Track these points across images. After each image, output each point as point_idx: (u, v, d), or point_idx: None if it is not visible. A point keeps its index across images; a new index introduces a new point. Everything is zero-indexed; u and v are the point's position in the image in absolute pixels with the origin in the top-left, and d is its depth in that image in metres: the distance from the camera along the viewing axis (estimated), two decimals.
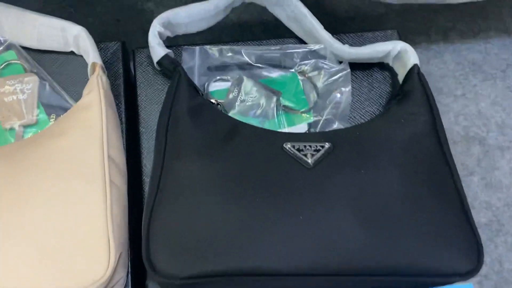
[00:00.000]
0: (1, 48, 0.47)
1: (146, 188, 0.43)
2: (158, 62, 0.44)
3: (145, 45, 0.48)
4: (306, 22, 0.47)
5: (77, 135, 0.39)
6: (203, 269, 0.33)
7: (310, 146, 0.38)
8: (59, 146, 0.38)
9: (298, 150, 0.38)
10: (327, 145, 0.38)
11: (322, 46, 0.46)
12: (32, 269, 0.33)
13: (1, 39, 0.47)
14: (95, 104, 0.40)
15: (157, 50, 0.44)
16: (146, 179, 0.43)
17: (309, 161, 0.37)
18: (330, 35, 0.46)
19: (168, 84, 0.44)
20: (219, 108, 0.43)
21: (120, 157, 0.40)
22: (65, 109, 0.45)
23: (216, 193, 0.35)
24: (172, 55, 0.44)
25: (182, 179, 0.36)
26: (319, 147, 0.38)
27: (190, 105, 0.41)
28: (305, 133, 0.42)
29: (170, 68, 0.44)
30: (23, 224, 0.35)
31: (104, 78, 0.43)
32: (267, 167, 0.37)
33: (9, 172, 0.37)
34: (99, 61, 0.43)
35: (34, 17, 0.46)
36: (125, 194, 0.39)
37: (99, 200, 0.36)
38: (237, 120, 0.41)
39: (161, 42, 0.44)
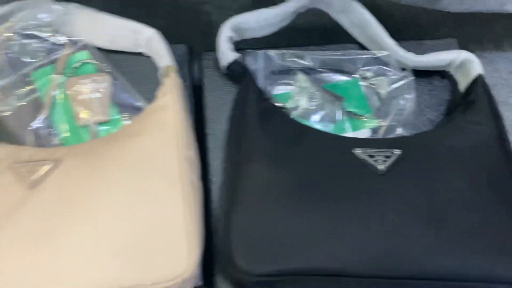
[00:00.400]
0: (76, 48, 0.49)
1: (211, 185, 0.44)
2: (227, 67, 0.46)
3: (205, 47, 0.50)
4: (371, 29, 0.48)
5: (154, 135, 0.40)
6: (278, 268, 0.34)
7: (381, 152, 0.39)
8: (137, 145, 0.40)
9: (369, 156, 0.39)
10: (397, 151, 0.39)
11: (387, 53, 0.47)
12: (113, 262, 0.35)
13: (76, 39, 0.49)
14: (171, 107, 0.42)
15: (227, 54, 0.45)
16: (212, 178, 0.45)
17: (381, 167, 0.38)
18: (394, 42, 0.47)
19: (236, 88, 0.46)
20: (286, 112, 0.45)
21: (194, 156, 0.42)
22: (136, 108, 0.47)
23: (290, 196, 0.37)
24: (241, 59, 0.46)
25: (257, 181, 0.38)
26: (389, 154, 0.39)
27: (260, 110, 0.42)
28: (373, 139, 0.43)
29: (238, 73, 0.45)
30: (104, 218, 0.36)
31: (178, 81, 0.44)
32: (337, 172, 0.38)
33: (90, 167, 0.39)
34: (173, 64, 0.45)
35: (106, 18, 0.48)
36: (200, 191, 0.40)
37: (178, 197, 0.37)
38: (305, 124, 0.43)
39: (231, 46, 0.46)
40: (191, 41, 0.62)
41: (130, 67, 0.50)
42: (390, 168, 0.38)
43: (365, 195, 0.37)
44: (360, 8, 0.48)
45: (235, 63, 0.45)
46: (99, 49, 0.50)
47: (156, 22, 0.49)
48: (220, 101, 0.48)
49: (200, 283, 0.38)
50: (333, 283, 0.36)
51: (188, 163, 0.40)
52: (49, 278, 0.34)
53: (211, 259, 0.41)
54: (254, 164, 0.39)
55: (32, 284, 0.33)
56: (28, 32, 0.49)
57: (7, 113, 0.46)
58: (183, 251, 0.35)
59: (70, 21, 0.49)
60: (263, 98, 0.43)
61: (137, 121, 0.43)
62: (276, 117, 0.42)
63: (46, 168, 0.38)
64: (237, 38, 0.47)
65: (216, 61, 0.49)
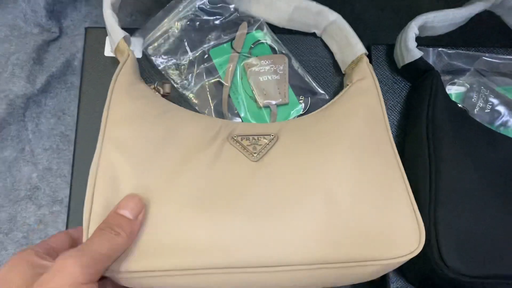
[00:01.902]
0: (253, 27, 0.51)
1: None
2: (409, 64, 0.47)
3: None
4: None
5: (366, 117, 0.41)
6: (491, 271, 0.37)
7: None
8: (352, 124, 0.41)
9: None
10: None
11: None
12: (345, 235, 0.35)
13: (252, 19, 0.51)
14: (372, 91, 0.43)
15: (414, 51, 0.46)
16: None
17: None
18: None
19: (412, 85, 0.48)
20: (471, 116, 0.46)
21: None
22: (309, 91, 0.49)
23: (492, 200, 0.39)
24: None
25: (456, 182, 0.40)
26: None
27: (449, 110, 0.44)
28: None
29: (421, 70, 0.47)
30: (335, 191, 0.36)
31: (371, 68, 0.46)
32: None
33: (309, 143, 0.40)
34: (364, 51, 0.46)
35: None
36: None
37: (399, 176, 0.39)
38: (492, 129, 0.44)
39: (415, 43, 0.47)
40: None
41: (306, 49, 0.51)
42: None
43: None
44: None
45: (420, 60, 0.46)
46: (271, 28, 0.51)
47: None
48: (393, 95, 0.50)
49: None
50: None
51: (394, 145, 0.41)
52: (284, 246, 0.34)
53: None
54: (447, 164, 0.41)
55: (266, 249, 0.34)
56: (207, 9, 0.51)
57: (189, 93, 0.48)
58: (415, 228, 0.36)
59: None
60: (450, 98, 0.45)
61: (340, 102, 0.44)
62: (465, 120, 0.44)
63: (265, 141, 0.40)
64: (418, 34, 0.48)
65: (387, 55, 0.50)
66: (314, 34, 0.51)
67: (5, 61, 0.61)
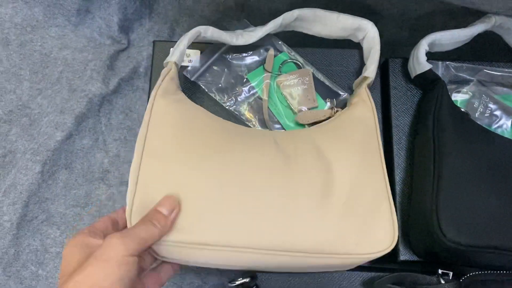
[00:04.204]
0: (278, 53, 0.61)
1: (396, 169, 0.56)
2: (420, 75, 0.56)
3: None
4: None
5: (361, 132, 0.51)
6: (484, 243, 0.44)
7: None
8: (354, 128, 0.51)
9: None
10: None
11: None
12: (339, 226, 0.43)
13: (275, 43, 0.61)
14: (369, 116, 0.53)
15: (424, 64, 0.56)
16: (396, 164, 0.56)
17: None
18: None
19: (423, 93, 0.58)
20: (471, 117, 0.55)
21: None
22: (334, 94, 0.59)
23: (485, 184, 0.47)
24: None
25: (458, 170, 0.48)
26: None
27: (453, 113, 0.53)
28: None
29: (430, 80, 0.56)
30: (336, 182, 0.46)
31: (368, 91, 0.55)
32: None
33: (322, 139, 0.50)
34: (372, 76, 0.55)
35: (336, 15, 0.57)
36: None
37: (381, 177, 0.48)
38: (488, 129, 0.53)
39: (426, 57, 0.56)
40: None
41: (330, 61, 0.61)
42: None
43: None
44: None
45: (429, 71, 0.56)
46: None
47: None
48: (406, 103, 0.59)
49: None
50: (507, 257, 0.46)
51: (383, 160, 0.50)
52: (289, 235, 0.42)
53: None
54: (453, 159, 0.49)
55: (278, 236, 0.42)
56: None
57: (238, 108, 0.58)
58: (392, 225, 0.45)
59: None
60: (454, 103, 0.54)
61: (340, 116, 0.54)
62: (466, 122, 0.52)
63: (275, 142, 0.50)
64: (428, 51, 0.58)
65: (402, 67, 0.60)
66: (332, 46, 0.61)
67: (85, 67, 0.74)
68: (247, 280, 0.51)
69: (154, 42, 0.63)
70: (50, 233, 0.68)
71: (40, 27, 0.71)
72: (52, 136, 0.69)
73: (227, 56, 0.60)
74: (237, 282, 0.52)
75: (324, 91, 0.60)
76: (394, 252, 0.54)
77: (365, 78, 0.56)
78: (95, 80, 0.73)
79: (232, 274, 0.65)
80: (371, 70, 0.55)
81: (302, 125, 0.57)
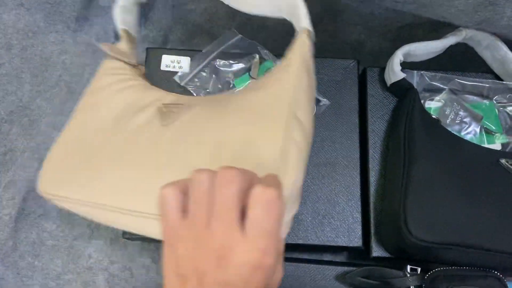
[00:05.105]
0: (261, 58, 0.64)
1: (371, 171, 0.60)
2: (395, 83, 0.60)
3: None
4: (509, 64, 0.61)
5: (269, 90, 0.45)
6: (442, 239, 0.48)
7: None
8: (253, 98, 0.46)
9: None
10: None
11: None
12: None
13: (271, 58, 0.65)
14: (292, 65, 0.45)
15: (398, 73, 0.59)
16: (371, 166, 0.60)
17: None
18: None
19: (398, 100, 0.61)
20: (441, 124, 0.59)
21: (306, 119, 0.44)
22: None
23: (450, 189, 0.50)
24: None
25: (425, 176, 0.51)
26: None
27: (424, 120, 0.56)
28: None
29: (404, 88, 0.60)
30: (220, 151, 0.43)
31: (308, 43, 0.47)
32: (485, 174, 0.52)
33: (215, 112, 0.48)
34: (308, 27, 0.48)
35: None
36: (305, 153, 0.43)
37: (276, 150, 0.41)
38: (458, 135, 0.57)
39: (400, 67, 0.60)
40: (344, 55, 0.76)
41: None
42: None
43: (506, 195, 0.51)
44: (505, 49, 0.60)
45: (403, 80, 0.59)
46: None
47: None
48: (381, 110, 0.63)
49: None
50: (469, 254, 0.50)
51: (296, 122, 0.42)
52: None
53: (368, 231, 0.57)
54: (422, 163, 0.52)
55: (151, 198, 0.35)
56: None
57: None
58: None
59: None
60: (425, 110, 0.58)
61: (262, 78, 0.50)
62: (436, 128, 0.56)
63: (180, 110, 0.49)
64: (403, 60, 0.62)
65: (379, 76, 0.64)
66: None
67: (82, 71, 0.78)
68: None
69: (147, 49, 0.67)
70: (46, 227, 0.72)
71: (41, 33, 0.76)
72: (50, 136, 0.73)
73: (215, 63, 0.64)
74: None
75: None
76: (367, 249, 0.58)
77: (303, 30, 0.48)
78: None
79: None
80: (306, 21, 0.48)
81: None
